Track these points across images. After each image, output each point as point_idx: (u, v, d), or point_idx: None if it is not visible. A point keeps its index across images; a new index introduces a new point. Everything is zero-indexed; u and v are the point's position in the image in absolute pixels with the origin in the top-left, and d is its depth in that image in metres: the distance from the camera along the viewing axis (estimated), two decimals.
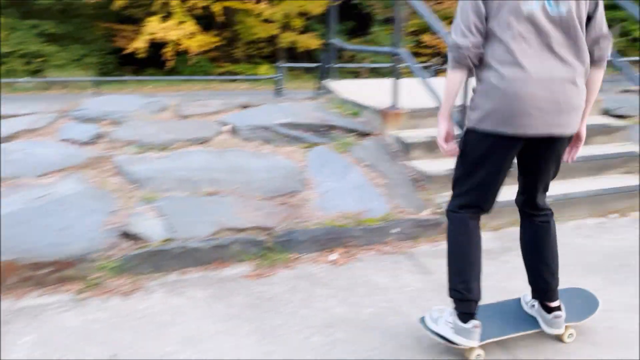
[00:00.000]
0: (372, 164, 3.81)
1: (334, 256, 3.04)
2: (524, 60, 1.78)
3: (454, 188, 2.11)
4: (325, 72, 5.94)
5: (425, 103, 3.92)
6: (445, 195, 3.56)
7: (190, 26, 17.69)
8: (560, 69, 1.82)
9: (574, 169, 3.87)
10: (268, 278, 2.78)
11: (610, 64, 4.49)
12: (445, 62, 2.03)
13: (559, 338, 2.17)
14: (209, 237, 2.91)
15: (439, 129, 2.03)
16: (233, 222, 3.00)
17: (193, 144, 3.86)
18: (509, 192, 3.64)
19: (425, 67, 9.89)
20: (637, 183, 3.75)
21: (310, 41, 18.56)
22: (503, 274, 2.83)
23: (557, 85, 1.81)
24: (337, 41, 5.45)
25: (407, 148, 3.91)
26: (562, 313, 2.11)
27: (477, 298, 2.01)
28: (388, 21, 16.39)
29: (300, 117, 4.24)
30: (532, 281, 2.21)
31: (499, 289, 2.67)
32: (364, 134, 4.17)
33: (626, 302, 2.53)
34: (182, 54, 18.40)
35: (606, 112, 4.64)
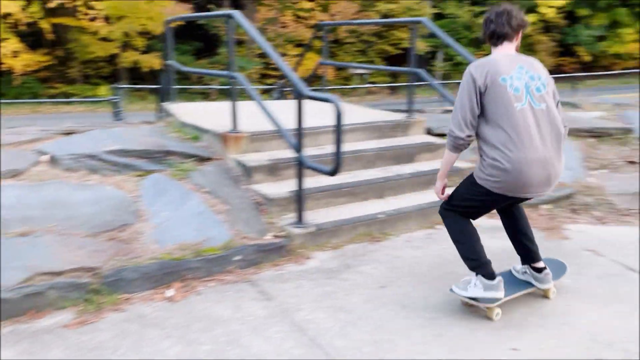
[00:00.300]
0: (213, 190, 3.68)
1: (170, 292, 2.85)
2: (524, 145, 2.35)
3: (452, 200, 2.70)
4: (165, 94, 5.69)
5: (267, 126, 3.92)
6: (288, 217, 3.58)
7: (14, 44, 15.95)
8: (549, 151, 2.41)
9: (404, 185, 4.15)
10: (93, 325, 2.50)
11: (431, 87, 4.94)
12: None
13: (545, 295, 2.81)
14: (19, 285, 2.54)
15: (437, 185, 2.72)
16: (49, 265, 2.66)
17: (3, 178, 3.38)
18: (345, 210, 3.79)
19: (273, 89, 10.05)
20: None
21: (154, 61, 17.82)
22: (342, 292, 2.89)
23: (549, 164, 2.42)
24: (175, 63, 5.24)
25: (248, 172, 3.86)
26: (549, 271, 2.75)
27: (490, 261, 2.61)
28: (238, 43, 16.42)
29: (133, 143, 3.96)
30: (520, 251, 2.82)
31: (335, 308, 2.72)
32: (204, 159, 4.04)
33: (452, 308, 2.72)
34: (6, 74, 16.48)
35: (429, 132, 5.08)
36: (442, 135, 5.12)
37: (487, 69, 2.41)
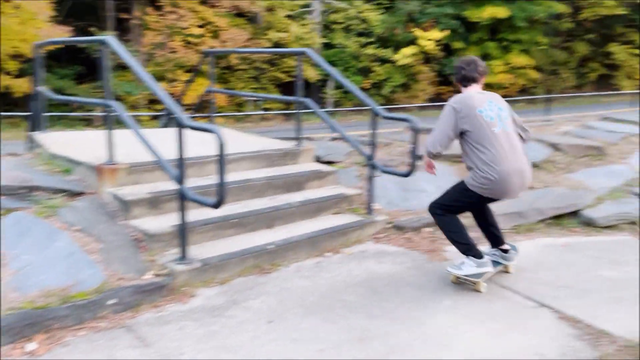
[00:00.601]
0: (85, 228, 3.39)
1: (31, 346, 2.53)
2: (506, 160, 3.08)
3: (443, 199, 3.35)
4: (35, 123, 5.21)
5: (147, 157, 3.70)
6: (170, 254, 3.37)
7: None
8: (523, 161, 3.19)
9: (294, 214, 4.13)
10: None
11: (318, 115, 5.00)
12: None
13: (506, 270, 3.61)
14: None
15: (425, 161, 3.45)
16: None
17: None
18: (233, 242, 3.67)
19: (161, 116, 9.64)
20: (346, 222, 4.19)
21: (27, 85, 16.43)
22: (228, 331, 2.75)
23: (524, 173, 3.20)
24: (44, 90, 4.83)
25: (126, 206, 3.61)
26: (514, 250, 3.59)
27: (476, 244, 3.33)
28: (124, 67, 15.67)
29: None
30: (490, 239, 3.58)
31: (220, 348, 2.58)
32: (75, 194, 3.72)
33: (338, 338, 2.70)
34: None
35: (318, 159, 5.14)
36: (330, 162, 5.20)
37: (466, 103, 3.14)
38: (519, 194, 3.30)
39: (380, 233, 4.29)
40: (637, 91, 21.68)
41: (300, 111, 5.22)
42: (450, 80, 23.63)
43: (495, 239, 3.56)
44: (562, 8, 23.89)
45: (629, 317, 3.04)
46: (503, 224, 4.43)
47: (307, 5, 21.53)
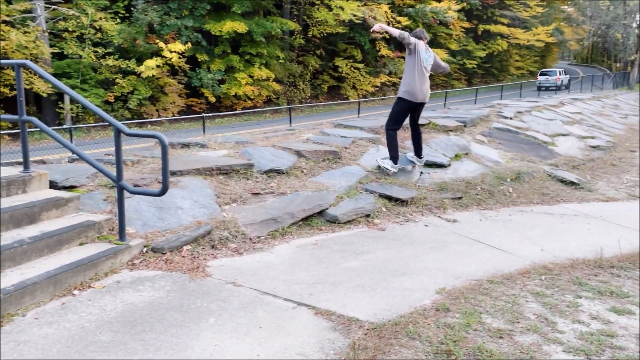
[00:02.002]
0: None
1: None
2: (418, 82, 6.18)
3: (389, 122, 6.40)
4: None
5: None
6: None
7: None
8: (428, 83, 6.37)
9: (26, 252, 3.54)
10: None
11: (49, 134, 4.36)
12: None
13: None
14: None
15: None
16: None
17: None
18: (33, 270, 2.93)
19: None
20: (95, 252, 3.78)
21: None
22: None
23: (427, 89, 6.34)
24: None
25: None
26: (424, 159, 6.77)
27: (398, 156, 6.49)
28: None
29: None
30: (414, 148, 6.69)
31: None
32: None
33: None
34: None
35: (55, 185, 4.53)
36: (71, 187, 4.64)
37: (421, 44, 6.26)
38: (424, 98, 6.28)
39: (137, 259, 4.00)
40: (362, 100, 25.18)
41: (27, 130, 4.52)
42: (200, 93, 23.73)
43: (418, 150, 6.67)
44: (293, 25, 26.25)
45: (370, 301, 3.45)
46: (260, 232, 4.60)
47: (28, 11, 18.99)
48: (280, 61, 26.06)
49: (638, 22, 39.19)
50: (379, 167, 6.46)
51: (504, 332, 3.04)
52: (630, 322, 3.26)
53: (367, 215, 5.38)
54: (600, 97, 21.03)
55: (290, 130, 8.50)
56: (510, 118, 11.07)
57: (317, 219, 5.16)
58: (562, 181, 7.38)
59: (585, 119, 13.80)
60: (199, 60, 23.57)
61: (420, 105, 6.38)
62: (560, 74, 35.86)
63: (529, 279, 3.96)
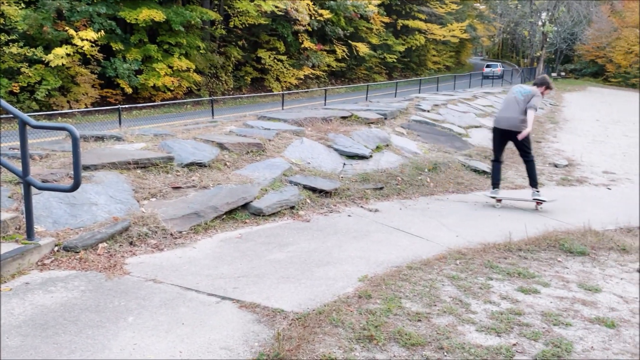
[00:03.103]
0: None
1: None
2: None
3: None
4: None
5: None
6: None
7: None
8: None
9: None
10: None
11: None
12: None
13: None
14: None
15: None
16: None
17: None
18: None
19: None
20: (0, 253, 3.51)
21: None
22: None
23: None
24: None
25: None
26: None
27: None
28: None
29: None
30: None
31: None
32: None
33: None
34: None
35: None
36: None
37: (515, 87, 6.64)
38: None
39: (47, 258, 3.76)
40: (286, 92, 25.15)
41: None
42: (116, 84, 22.65)
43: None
44: (214, 15, 25.67)
45: (295, 292, 3.47)
46: (181, 227, 4.49)
47: None
48: (201, 51, 25.41)
49: (543, 21, 41.98)
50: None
51: (422, 315, 3.17)
52: (535, 300, 3.51)
53: (292, 207, 5.40)
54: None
55: (213, 123, 8.34)
56: (428, 111, 11.51)
57: (241, 212, 5.11)
58: (476, 170, 7.80)
59: (496, 111, 14.63)
60: (114, 49, 22.44)
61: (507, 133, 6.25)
62: (500, 67, 43.94)
63: (445, 263, 4.15)
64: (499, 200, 6.34)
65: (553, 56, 52.57)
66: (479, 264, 4.16)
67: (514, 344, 2.88)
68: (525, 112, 6.13)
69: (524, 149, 6.35)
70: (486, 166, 8.12)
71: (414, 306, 3.31)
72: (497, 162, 6.49)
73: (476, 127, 11.32)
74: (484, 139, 10.49)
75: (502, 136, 6.36)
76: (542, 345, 2.89)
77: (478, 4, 58.55)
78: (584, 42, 47.90)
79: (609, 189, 7.71)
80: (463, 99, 14.92)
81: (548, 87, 6.43)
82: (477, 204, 6.24)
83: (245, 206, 5.17)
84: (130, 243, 4.17)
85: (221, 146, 6.30)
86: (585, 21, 42.32)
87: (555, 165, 9.05)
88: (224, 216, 4.93)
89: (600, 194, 7.30)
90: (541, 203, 6.24)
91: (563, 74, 51.60)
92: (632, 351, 2.85)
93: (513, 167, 8.62)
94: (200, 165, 5.69)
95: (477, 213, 5.84)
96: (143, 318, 3.00)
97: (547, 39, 41.25)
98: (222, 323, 2.99)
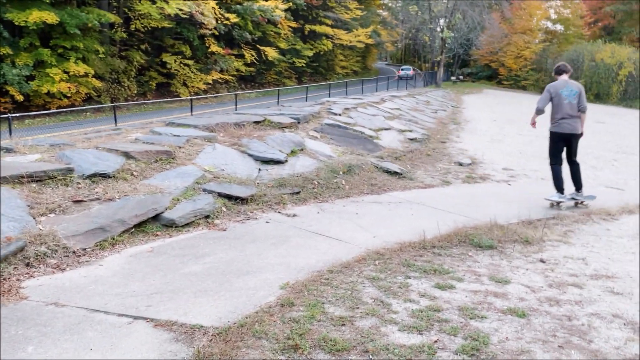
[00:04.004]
0: None
1: None
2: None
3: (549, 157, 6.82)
4: None
5: None
6: None
7: None
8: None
9: None
10: None
11: None
12: None
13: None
14: None
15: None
16: None
17: None
18: None
19: None
20: None
21: None
22: None
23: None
24: None
25: None
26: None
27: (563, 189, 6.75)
28: None
29: None
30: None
31: None
32: None
33: None
34: None
35: None
36: None
37: (555, 86, 6.53)
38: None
39: None
40: (194, 97, 24.46)
41: None
42: (5, 91, 20.80)
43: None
44: (113, 17, 24.41)
45: (214, 305, 3.32)
46: (85, 243, 4.16)
47: None
48: (100, 56, 24.04)
49: (441, 27, 44.31)
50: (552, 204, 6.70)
51: (345, 319, 3.15)
52: (452, 295, 3.62)
53: (207, 216, 5.20)
54: (414, 95, 23.37)
55: (116, 130, 7.87)
56: (340, 114, 11.68)
57: (152, 224, 4.83)
58: (388, 172, 8.00)
59: (403, 114, 15.18)
60: (1, 53, 20.63)
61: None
62: (412, 70, 49.73)
63: (365, 265, 4.18)
64: (559, 203, 6.70)
65: (452, 61, 55.67)
66: (396, 263, 4.23)
67: (435, 341, 2.94)
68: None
69: (576, 151, 6.71)
70: (397, 167, 8.36)
71: (337, 310, 3.28)
72: (558, 165, 6.72)
73: (386, 129, 11.65)
74: (393, 140, 10.82)
75: (564, 141, 6.64)
76: (462, 339, 2.97)
77: (381, 11, 60.70)
78: (478, 48, 51.22)
79: (509, 184, 8.23)
80: (372, 102, 15.33)
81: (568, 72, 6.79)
82: (391, 203, 6.39)
83: (156, 218, 4.89)
84: (27, 264, 3.78)
85: (127, 155, 5.94)
86: (479, 28, 45.21)
87: (460, 164, 9.53)
88: (133, 229, 4.63)
89: (501, 190, 7.77)
90: (584, 202, 6.82)
91: (461, 77, 54.86)
92: (542, 339, 3.01)
93: (422, 168, 8.96)
94: (104, 176, 5.31)
95: (392, 213, 5.97)
96: (45, 346, 2.71)
97: (446, 45, 43.61)
98: (135, 345, 2.78)
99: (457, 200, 6.74)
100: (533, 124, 6.92)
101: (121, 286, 3.57)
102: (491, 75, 54.09)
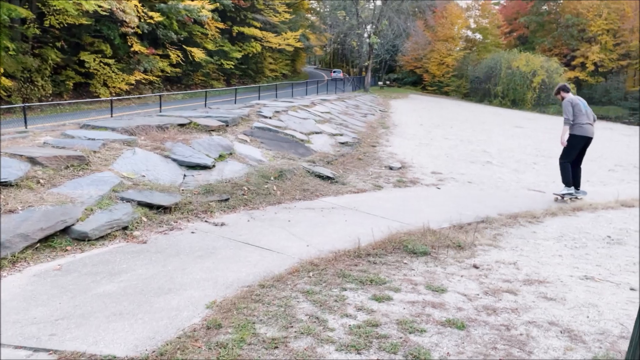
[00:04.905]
0: None
1: None
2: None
3: (562, 156, 7.68)
4: None
5: None
6: None
7: None
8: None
9: None
10: None
11: None
12: None
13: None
14: None
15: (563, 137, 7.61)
16: None
17: None
18: None
19: None
20: None
21: None
22: None
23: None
24: None
25: None
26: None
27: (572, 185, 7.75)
28: None
29: None
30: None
31: None
32: None
33: None
34: None
35: None
36: None
37: (573, 99, 7.48)
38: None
39: None
40: (115, 98, 23.22)
41: None
42: None
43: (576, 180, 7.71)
44: (25, 12, 22.68)
45: (131, 331, 2.95)
46: None
47: None
48: (10, 53, 22.25)
49: (369, 33, 45.06)
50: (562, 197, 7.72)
51: (278, 341, 2.89)
52: (390, 308, 3.46)
53: (125, 228, 4.76)
54: (343, 99, 23.48)
55: (23, 134, 7.14)
56: (270, 117, 11.39)
57: (60, 238, 4.34)
58: (320, 176, 7.82)
59: (333, 117, 15.13)
60: None
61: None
62: (342, 73, 53.66)
63: (298, 277, 3.94)
64: (564, 197, 7.71)
65: (379, 66, 56.83)
66: (332, 274, 4.02)
67: None
68: None
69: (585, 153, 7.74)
70: (329, 172, 8.20)
71: (269, 331, 3.01)
72: (568, 163, 7.58)
73: (317, 133, 11.49)
74: (324, 144, 10.68)
75: (586, 144, 7.50)
76: (402, 357, 2.80)
77: (310, 15, 60.92)
78: (404, 54, 52.67)
79: (438, 188, 8.30)
80: (302, 105, 15.15)
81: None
82: (324, 210, 6.20)
83: (65, 230, 4.40)
84: None
85: (33, 161, 5.35)
86: (404, 34, 46.42)
87: (390, 168, 9.53)
88: (38, 245, 4.13)
89: (431, 194, 7.81)
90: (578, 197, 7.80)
91: (388, 82, 56.16)
92: (483, 352, 2.90)
93: (354, 172, 8.86)
94: (5, 184, 4.73)
95: (325, 219, 5.77)
96: None
97: (373, 50, 44.42)
98: None
99: (389, 205, 6.66)
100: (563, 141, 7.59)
101: (21, 311, 3.12)
102: (416, 81, 55.79)
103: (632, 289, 4.10)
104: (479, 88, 46.34)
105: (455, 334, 3.10)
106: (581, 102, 7.57)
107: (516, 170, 11.10)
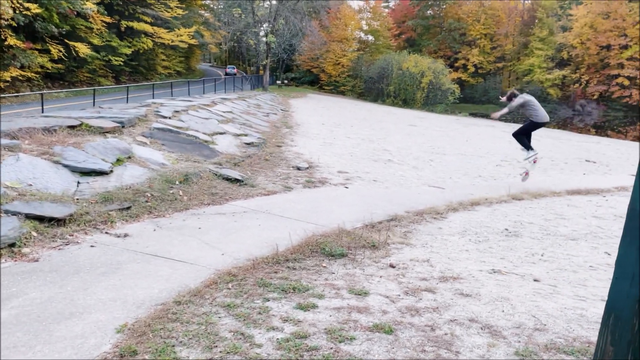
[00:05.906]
0: None
1: None
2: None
3: (520, 130, 9.98)
4: None
5: None
6: None
7: None
8: None
9: None
10: None
11: None
12: None
13: None
14: None
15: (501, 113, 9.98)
16: None
17: None
18: None
19: None
20: None
21: None
22: None
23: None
24: None
25: None
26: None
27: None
28: None
29: None
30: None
31: None
32: None
33: None
34: None
35: None
36: None
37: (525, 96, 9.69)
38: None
39: None
40: None
41: None
42: None
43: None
44: None
45: None
46: None
47: None
48: None
49: (265, 31, 44.77)
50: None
51: None
52: (316, 316, 3.36)
53: (12, 245, 4.21)
54: (244, 98, 23.08)
55: None
56: (169, 117, 10.84)
57: None
58: (228, 179, 7.54)
59: (236, 117, 14.77)
60: None
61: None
62: (235, 69, 58.59)
63: (217, 290, 3.71)
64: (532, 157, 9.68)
65: (276, 65, 56.79)
66: (252, 284, 3.84)
67: None
68: None
69: None
70: (237, 174, 7.94)
71: (192, 353, 2.78)
72: (523, 137, 9.76)
73: (221, 133, 11.12)
74: (230, 145, 10.36)
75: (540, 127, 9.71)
76: None
77: (203, 12, 59.28)
78: (301, 53, 53.09)
79: (346, 187, 8.38)
80: (203, 104, 14.61)
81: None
82: (235, 214, 5.96)
83: None
84: None
85: None
86: (301, 34, 46.76)
87: (298, 168, 9.47)
88: None
89: (341, 193, 7.85)
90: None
91: (286, 81, 56.30)
92: (414, 357, 2.89)
93: (262, 173, 8.67)
94: None
95: (238, 225, 5.55)
96: None
97: (271, 49, 44.27)
98: None
99: (301, 206, 6.58)
100: (497, 117, 10.27)
101: None
102: (313, 81, 56.52)
103: (535, 280, 4.37)
104: (373, 88, 47.99)
105: (384, 339, 3.08)
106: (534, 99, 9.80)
107: (415, 167, 11.55)
